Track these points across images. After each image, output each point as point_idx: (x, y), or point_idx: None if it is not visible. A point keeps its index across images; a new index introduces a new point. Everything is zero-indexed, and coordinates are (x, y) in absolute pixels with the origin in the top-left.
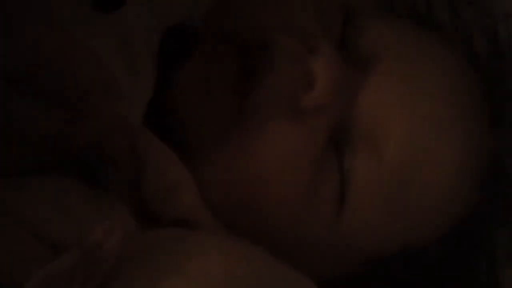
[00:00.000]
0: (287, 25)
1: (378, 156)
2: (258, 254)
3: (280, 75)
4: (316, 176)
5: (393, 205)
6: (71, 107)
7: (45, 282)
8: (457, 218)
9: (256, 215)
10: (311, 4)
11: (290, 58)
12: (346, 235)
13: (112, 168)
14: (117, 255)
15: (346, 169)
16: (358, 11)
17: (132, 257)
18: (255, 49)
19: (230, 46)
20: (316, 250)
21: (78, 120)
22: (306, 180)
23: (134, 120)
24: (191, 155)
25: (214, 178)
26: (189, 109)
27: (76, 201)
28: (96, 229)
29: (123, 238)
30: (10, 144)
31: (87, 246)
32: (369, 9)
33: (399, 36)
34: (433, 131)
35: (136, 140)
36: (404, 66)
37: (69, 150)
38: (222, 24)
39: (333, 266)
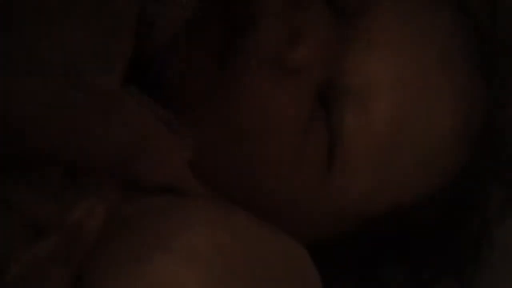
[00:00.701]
0: None
1: (367, 114)
2: (246, 222)
3: (265, 32)
4: (304, 135)
5: (383, 163)
6: None
7: (26, 267)
8: (449, 175)
9: (243, 177)
10: None
11: (275, 14)
12: (336, 195)
13: None
14: (99, 234)
15: (335, 127)
16: None
17: (114, 234)
18: (240, 6)
19: (215, 3)
20: (306, 210)
21: None
22: (294, 139)
23: (116, 78)
24: (177, 116)
25: (200, 141)
26: (173, 67)
27: (57, 178)
28: (77, 208)
29: (105, 217)
30: None
31: (68, 227)
32: None
33: None
34: (424, 88)
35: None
36: (395, 22)
37: None
38: None
39: (323, 226)
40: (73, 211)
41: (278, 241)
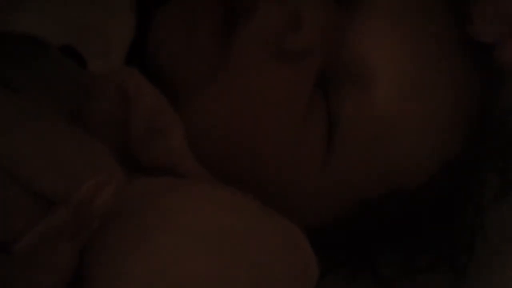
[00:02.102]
0: None
1: (366, 98)
2: (246, 204)
3: (266, 16)
4: (304, 119)
5: (381, 147)
6: None
7: (34, 241)
8: (445, 161)
9: (243, 162)
10: None
11: None
12: (334, 179)
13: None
14: (107, 211)
15: (334, 111)
16: None
17: (121, 212)
18: None
19: None
20: (305, 195)
21: None
22: (294, 124)
23: (116, 60)
24: (175, 100)
25: (199, 125)
26: (173, 52)
27: (69, 150)
28: (87, 184)
29: (113, 194)
30: None
31: (77, 202)
32: None
33: None
34: (422, 74)
35: (126, 80)
36: (394, 6)
37: None
38: None
39: (322, 210)
40: (83, 187)
41: (278, 224)
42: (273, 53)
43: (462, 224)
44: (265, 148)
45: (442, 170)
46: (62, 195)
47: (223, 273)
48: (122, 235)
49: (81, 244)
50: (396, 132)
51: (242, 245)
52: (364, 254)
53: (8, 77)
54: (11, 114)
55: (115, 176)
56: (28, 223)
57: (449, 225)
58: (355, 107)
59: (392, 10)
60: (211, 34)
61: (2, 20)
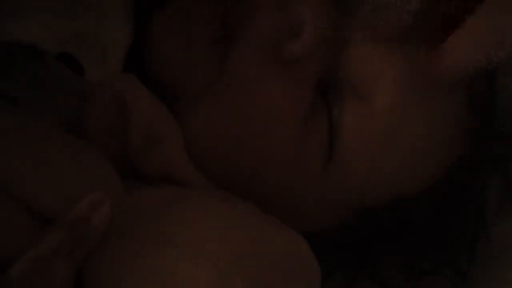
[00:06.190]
0: None
1: (367, 106)
2: (249, 214)
3: (265, 23)
4: (304, 128)
5: (382, 155)
6: None
7: (31, 261)
8: (447, 168)
9: (243, 169)
10: None
11: (275, 4)
12: (335, 186)
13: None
14: (105, 228)
15: (335, 120)
16: None
17: (121, 226)
18: None
19: None
20: (305, 202)
21: None
22: (294, 132)
23: (113, 67)
24: (174, 108)
25: (198, 133)
26: (170, 59)
27: (67, 166)
28: (83, 202)
29: (110, 211)
30: None
31: (73, 221)
32: None
33: None
34: (423, 82)
35: (124, 88)
36: None
37: None
38: None
39: (322, 217)
40: (78, 205)
41: (281, 232)
42: (272, 60)
43: (464, 228)
44: (265, 156)
45: (444, 176)
46: (59, 212)
47: (223, 286)
48: (121, 251)
49: (79, 262)
50: (396, 140)
51: (247, 256)
52: (365, 257)
53: (5, 87)
54: (8, 129)
55: (112, 192)
56: (24, 241)
57: (451, 229)
58: (355, 116)
59: None
60: (209, 41)
61: None
